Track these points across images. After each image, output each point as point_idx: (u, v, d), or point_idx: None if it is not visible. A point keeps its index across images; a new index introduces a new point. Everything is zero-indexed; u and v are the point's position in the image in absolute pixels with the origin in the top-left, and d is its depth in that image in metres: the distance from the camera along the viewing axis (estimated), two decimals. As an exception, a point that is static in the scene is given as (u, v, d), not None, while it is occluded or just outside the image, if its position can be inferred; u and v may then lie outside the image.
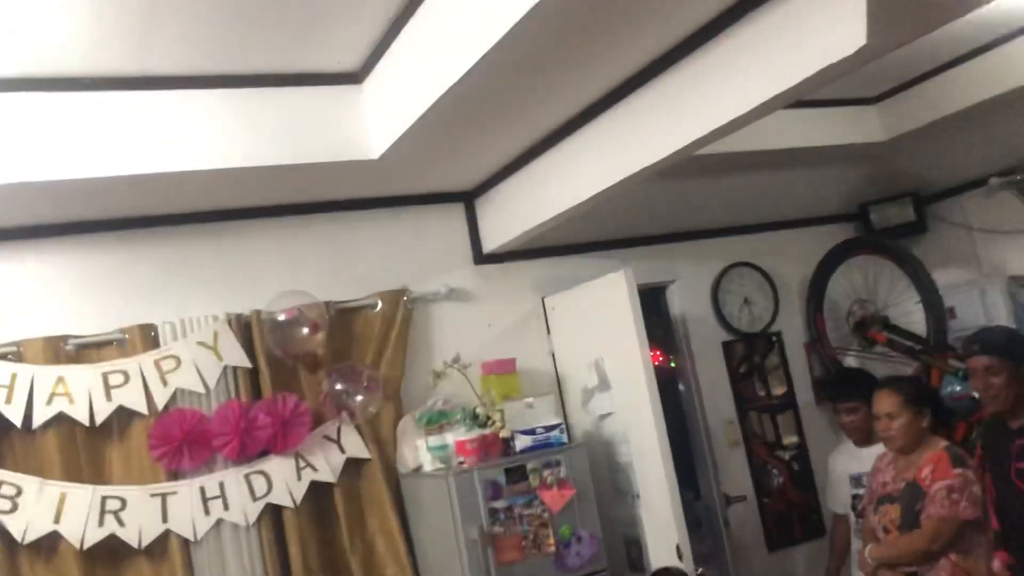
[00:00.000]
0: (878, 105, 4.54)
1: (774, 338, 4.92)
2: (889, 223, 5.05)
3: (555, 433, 3.70)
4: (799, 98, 3.06)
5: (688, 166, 3.76)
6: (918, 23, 2.37)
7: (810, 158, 4.51)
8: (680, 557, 3.57)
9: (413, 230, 4.14)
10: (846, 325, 4.89)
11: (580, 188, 3.59)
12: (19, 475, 3.24)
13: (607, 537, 3.70)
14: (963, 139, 4.53)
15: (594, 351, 3.99)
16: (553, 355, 4.31)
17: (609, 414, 3.96)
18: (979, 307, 4.74)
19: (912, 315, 4.67)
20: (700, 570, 3.61)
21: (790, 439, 4.89)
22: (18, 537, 3.20)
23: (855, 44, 2.27)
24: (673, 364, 4.86)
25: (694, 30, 2.83)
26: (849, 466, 3.87)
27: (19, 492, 3.22)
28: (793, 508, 4.76)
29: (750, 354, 4.86)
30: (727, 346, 4.79)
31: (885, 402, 3.27)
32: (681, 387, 4.75)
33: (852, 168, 4.89)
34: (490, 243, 4.23)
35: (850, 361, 4.84)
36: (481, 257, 4.27)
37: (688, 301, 4.72)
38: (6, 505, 3.20)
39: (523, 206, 3.95)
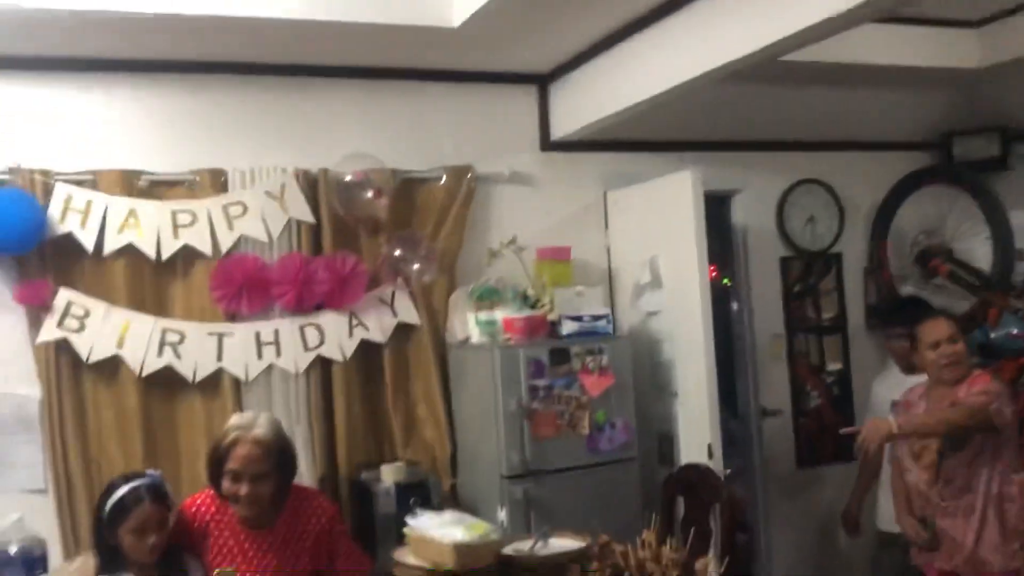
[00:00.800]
0: (979, 30, 4.33)
1: (834, 260, 4.86)
2: (971, 156, 4.88)
3: (601, 323, 3.76)
4: (887, 10, 2.96)
5: (769, 72, 3.68)
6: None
7: (899, 78, 4.36)
8: (710, 456, 3.64)
9: (484, 109, 4.13)
10: (909, 255, 4.80)
11: (655, 81, 3.54)
12: (88, 298, 3.40)
13: (641, 429, 3.79)
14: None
15: (650, 249, 4.00)
16: (608, 249, 4.32)
17: (657, 312, 3.99)
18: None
19: (977, 251, 4.57)
20: (728, 470, 3.68)
21: (834, 364, 4.89)
22: (83, 356, 3.39)
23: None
24: (726, 281, 4.85)
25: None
26: (892, 392, 3.86)
27: (87, 314, 3.39)
28: (827, 430, 4.78)
29: (806, 273, 4.82)
30: (785, 262, 4.75)
31: (944, 327, 3.22)
32: (733, 304, 4.74)
33: (941, 94, 4.71)
34: (559, 130, 4.21)
35: (908, 290, 4.77)
36: (548, 143, 4.25)
37: (751, 212, 4.66)
38: (74, 325, 3.37)
39: (597, 94, 3.91)
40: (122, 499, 2.47)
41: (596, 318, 3.76)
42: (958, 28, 4.30)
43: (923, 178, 4.71)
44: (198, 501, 2.67)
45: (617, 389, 3.67)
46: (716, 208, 4.57)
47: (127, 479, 2.56)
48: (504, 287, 3.85)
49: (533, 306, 3.81)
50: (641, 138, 4.33)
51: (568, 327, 3.71)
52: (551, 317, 3.75)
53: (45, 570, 2.83)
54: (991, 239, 4.46)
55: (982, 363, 3.72)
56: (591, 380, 3.63)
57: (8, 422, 3.37)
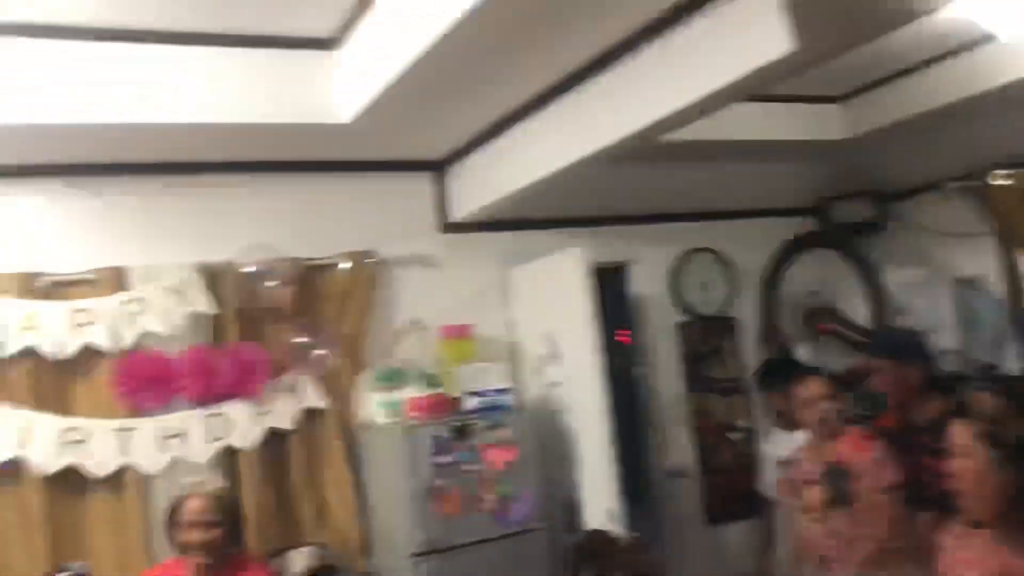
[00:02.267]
0: (842, 104, 4.69)
1: (729, 322, 5.10)
2: (849, 219, 5.21)
3: (504, 396, 3.89)
4: (746, 94, 3.24)
5: (651, 151, 3.92)
6: (848, 34, 2.53)
7: (771, 151, 4.67)
8: (613, 521, 3.76)
9: (382, 195, 4.28)
10: (798, 316, 5.07)
11: (542, 164, 3.76)
12: (-12, 402, 3.41)
13: (547, 498, 3.90)
14: (924, 141, 4.68)
15: (548, 323, 4.17)
16: (510, 324, 4.47)
17: (559, 383, 4.14)
18: (927, 306, 4.92)
19: (859, 309, 4.85)
20: (635, 535, 3.79)
21: (740, 421, 5.08)
22: (-17, 460, 3.38)
23: (781, 49, 2.43)
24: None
25: (649, 22, 3.00)
26: (778, 449, 4.05)
27: (-13, 417, 3.39)
28: (735, 487, 4.94)
29: (706, 336, 5.04)
30: (682, 327, 4.96)
31: (817, 386, 3.42)
32: (635, 366, 4.92)
33: (813, 163, 5.05)
34: (457, 212, 4.38)
35: (801, 350, 5.02)
36: (447, 225, 4.42)
37: (646, 281, 4.88)
38: (-26, 429, 3.37)
39: (489, 178, 4.11)
40: None
41: (498, 392, 3.89)
42: (822, 103, 4.65)
43: (802, 243, 5.01)
44: (155, 571, 2.97)
45: (521, 461, 3.79)
46: (612, 279, 4.78)
47: (60, 571, 2.61)
48: (408, 368, 3.96)
49: (437, 385, 3.92)
50: (537, 216, 4.52)
51: (471, 402, 3.83)
52: (455, 394, 3.86)
53: None
54: (866, 298, 4.75)
55: (866, 415, 3.94)
56: (495, 454, 3.74)
57: (-95, 533, 3.32)
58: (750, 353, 5.10)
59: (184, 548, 2.83)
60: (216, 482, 2.94)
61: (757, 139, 4.45)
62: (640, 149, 3.61)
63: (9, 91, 3.07)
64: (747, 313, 5.13)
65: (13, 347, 3.45)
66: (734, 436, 5.04)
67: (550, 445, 4.10)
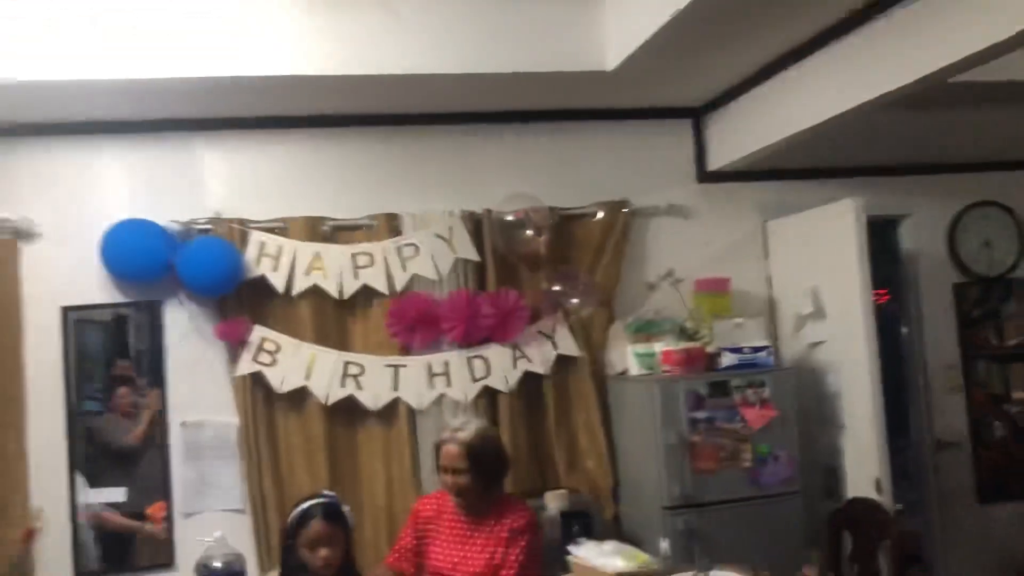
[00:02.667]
0: None
1: (1015, 284, 4.62)
2: None
3: (762, 355, 3.75)
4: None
5: (933, 95, 3.57)
6: None
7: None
8: (879, 491, 3.55)
9: (639, 144, 4.23)
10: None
11: (814, 111, 3.53)
12: (279, 334, 3.74)
13: (805, 462, 3.75)
14: None
15: (812, 279, 3.96)
16: (769, 279, 4.30)
17: (821, 342, 3.94)
18: None
19: None
20: (899, 506, 3.58)
21: (1020, 394, 4.63)
22: (276, 387, 3.72)
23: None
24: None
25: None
26: None
27: (278, 349, 3.72)
28: (1011, 463, 4.53)
29: (985, 298, 4.61)
30: (959, 288, 4.56)
31: None
32: (904, 328, 4.59)
33: None
34: (715, 161, 4.24)
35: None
36: (705, 175, 4.30)
37: (921, 238, 4.51)
38: (267, 359, 3.71)
39: (752, 126, 3.93)
40: (299, 516, 2.74)
41: (756, 350, 3.76)
42: None
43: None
44: (428, 498, 3.15)
45: (779, 422, 3.65)
46: (883, 234, 4.47)
47: (308, 499, 2.82)
48: (662, 319, 3.92)
49: (691, 338, 3.85)
50: (800, 166, 4.29)
51: (728, 359, 3.73)
52: (710, 349, 3.78)
53: (246, 582, 3.13)
54: None
55: None
56: (752, 413, 3.63)
57: (210, 447, 3.74)
58: (1038, 320, 4.61)
59: (445, 487, 2.99)
60: (475, 428, 2.98)
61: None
62: (921, 94, 3.29)
63: (291, 45, 3.30)
64: (1035, 275, 4.62)
65: (300, 286, 3.75)
66: (1012, 408, 4.60)
67: (810, 407, 3.92)
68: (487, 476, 2.91)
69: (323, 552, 2.68)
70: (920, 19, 2.93)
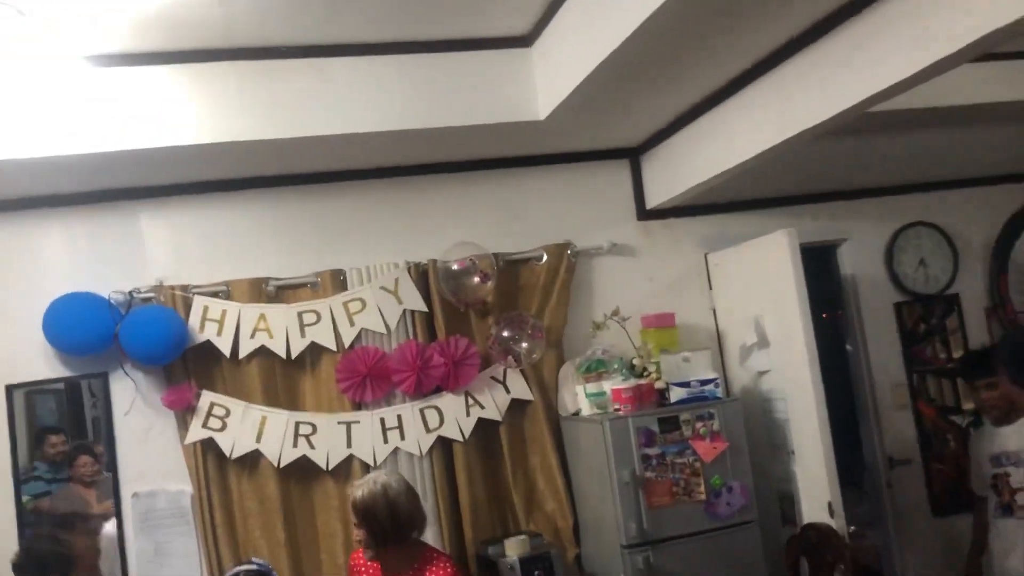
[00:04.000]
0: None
1: (952, 300, 4.74)
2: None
3: (710, 387, 3.79)
4: (976, 55, 2.94)
5: (860, 123, 3.67)
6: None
7: (998, 114, 4.27)
8: (832, 514, 3.60)
9: (578, 186, 4.30)
10: (1031, 289, 4.64)
11: (746, 145, 3.61)
12: (228, 398, 3.72)
13: (759, 491, 3.78)
14: None
15: (754, 308, 4.03)
16: (714, 311, 4.37)
17: (767, 371, 4.00)
18: None
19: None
20: (852, 528, 3.63)
21: (969, 404, 4.73)
22: (227, 452, 3.69)
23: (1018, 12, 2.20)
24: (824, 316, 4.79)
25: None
26: (990, 446, 3.73)
27: (228, 413, 3.70)
28: (965, 475, 4.60)
29: (927, 316, 4.72)
30: (899, 307, 4.67)
31: None
32: (848, 347, 4.69)
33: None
34: (654, 199, 4.32)
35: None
36: (644, 213, 4.37)
37: (859, 261, 4.63)
38: (217, 424, 3.69)
39: (688, 163, 4.02)
40: None
41: (704, 383, 3.80)
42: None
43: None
44: (357, 552, 3.10)
45: (731, 452, 3.70)
46: (822, 259, 4.57)
47: (238, 565, 2.84)
48: (611, 358, 3.96)
49: (640, 375, 3.90)
50: (738, 198, 4.39)
51: (676, 394, 3.77)
52: (659, 385, 3.82)
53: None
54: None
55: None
56: (703, 446, 3.67)
57: (165, 516, 3.70)
58: (980, 331, 4.72)
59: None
60: (372, 484, 2.93)
61: (980, 102, 4.07)
62: (849, 123, 3.40)
63: (227, 113, 3.32)
64: (971, 290, 4.75)
65: (247, 348, 3.74)
66: (960, 420, 4.70)
67: (761, 435, 3.98)
68: (380, 532, 2.88)
69: None
70: (842, 51, 3.01)
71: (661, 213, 4.36)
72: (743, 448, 3.75)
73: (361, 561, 3.06)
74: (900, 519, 4.51)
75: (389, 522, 2.87)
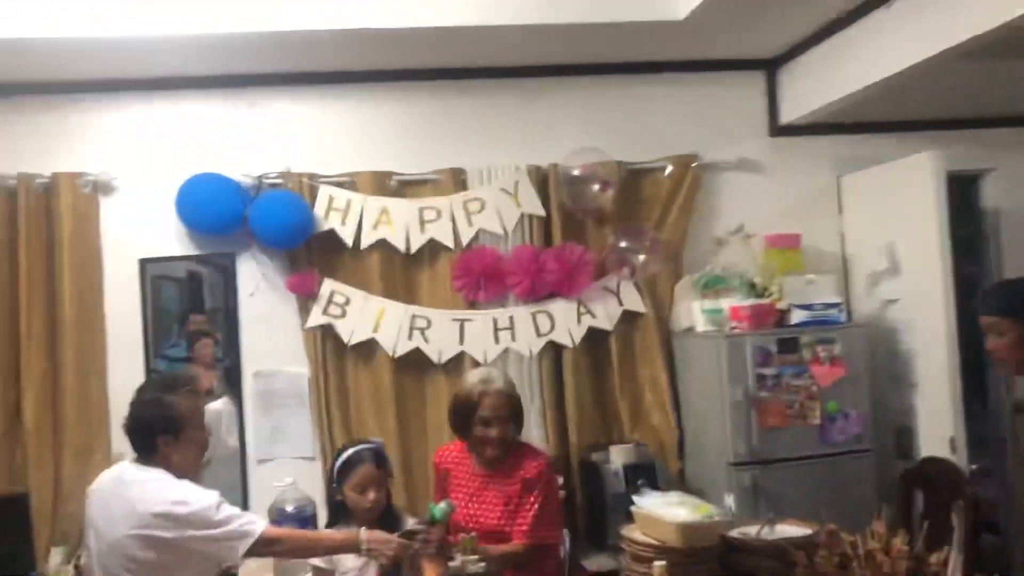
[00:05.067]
0: None
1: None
2: None
3: (833, 311, 3.68)
4: None
5: (1020, 41, 3.41)
6: None
7: None
8: (953, 451, 3.47)
9: (709, 97, 4.15)
10: None
11: (893, 60, 3.40)
12: (348, 287, 3.81)
13: (877, 421, 3.68)
14: None
15: (887, 235, 3.85)
16: (842, 235, 4.20)
17: (896, 300, 3.84)
18: None
19: None
20: (974, 466, 3.49)
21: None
22: (345, 339, 3.79)
23: None
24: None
25: None
26: None
27: (347, 301, 3.79)
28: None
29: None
30: (1045, 246, 4.38)
31: None
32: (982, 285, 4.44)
33: None
34: (788, 114, 4.14)
35: None
36: (777, 129, 4.20)
37: (1006, 194, 4.34)
38: (337, 311, 3.79)
39: (829, 76, 3.81)
40: (348, 459, 2.79)
41: (828, 306, 3.69)
42: None
43: None
44: (444, 449, 3.04)
45: (850, 379, 3.59)
46: (963, 190, 4.31)
47: (354, 444, 2.89)
48: (731, 275, 3.87)
49: (760, 295, 3.79)
50: (878, 118, 4.16)
51: (798, 316, 3.67)
52: (780, 306, 3.72)
53: (315, 527, 3.22)
54: None
55: None
56: (822, 370, 3.58)
57: (283, 396, 3.85)
58: None
59: (482, 440, 2.85)
60: (503, 379, 2.90)
61: None
62: (1006, 40, 3.14)
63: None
64: None
65: (368, 239, 3.80)
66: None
67: (882, 365, 3.84)
68: (520, 425, 2.87)
69: (371, 495, 2.74)
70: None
71: (795, 130, 4.17)
72: (862, 376, 3.64)
73: (450, 457, 2.98)
74: (1022, 471, 4.31)
75: (523, 413, 2.88)
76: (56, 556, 3.46)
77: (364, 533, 2.52)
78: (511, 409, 2.82)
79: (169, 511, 2.30)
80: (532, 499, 2.77)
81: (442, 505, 2.63)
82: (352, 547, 2.54)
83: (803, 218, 4.14)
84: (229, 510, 2.36)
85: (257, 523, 2.39)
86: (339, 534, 2.65)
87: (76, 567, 3.15)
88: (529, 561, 2.71)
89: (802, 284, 3.79)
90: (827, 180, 4.22)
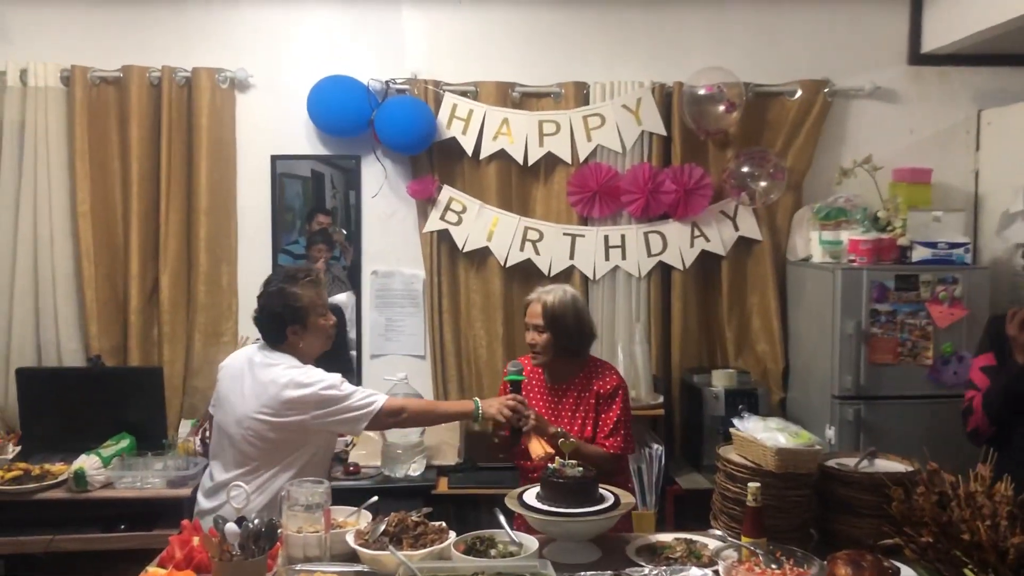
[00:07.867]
0: None
1: None
2: None
3: (959, 251, 3.56)
4: None
5: None
6: None
7: None
8: (1072, 403, 3.35)
9: (845, 20, 3.98)
10: None
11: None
12: (465, 195, 3.89)
13: (992, 366, 3.57)
14: None
15: (1027, 176, 3.67)
16: (976, 173, 4.02)
17: (1029, 243, 3.68)
18: None
19: None
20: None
21: None
22: (459, 245, 3.90)
23: None
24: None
25: None
26: None
27: (464, 209, 3.88)
28: None
29: None
30: None
31: None
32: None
33: None
34: (931, 42, 3.93)
35: None
36: (917, 57, 4.00)
37: None
38: (453, 218, 3.88)
39: (979, 3, 3.59)
40: None
41: (953, 246, 3.57)
42: None
43: None
44: (521, 360, 3.02)
45: (969, 322, 3.49)
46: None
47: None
48: (853, 207, 3.77)
49: (883, 229, 3.69)
50: (1026, 51, 3.92)
51: (920, 253, 3.56)
52: (902, 242, 3.62)
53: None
54: None
55: None
56: (940, 310, 3.48)
57: (398, 296, 4.01)
58: None
59: (528, 346, 2.94)
60: (562, 292, 2.91)
61: None
62: None
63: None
64: None
65: (488, 150, 3.86)
66: None
67: (1004, 309, 3.69)
68: (564, 338, 2.86)
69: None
70: None
71: (936, 59, 3.97)
72: (982, 320, 3.51)
73: (523, 374, 2.97)
74: None
75: (576, 330, 2.90)
76: (185, 427, 3.75)
77: (480, 401, 2.67)
78: (549, 319, 2.85)
79: (298, 395, 2.48)
80: (613, 410, 2.85)
81: (511, 370, 2.77)
82: (468, 414, 2.71)
83: (936, 153, 3.98)
84: (350, 387, 2.53)
85: (379, 397, 2.56)
86: (456, 403, 2.78)
87: (203, 440, 3.40)
88: (612, 470, 2.80)
89: (928, 221, 3.66)
90: (966, 114, 4.03)
